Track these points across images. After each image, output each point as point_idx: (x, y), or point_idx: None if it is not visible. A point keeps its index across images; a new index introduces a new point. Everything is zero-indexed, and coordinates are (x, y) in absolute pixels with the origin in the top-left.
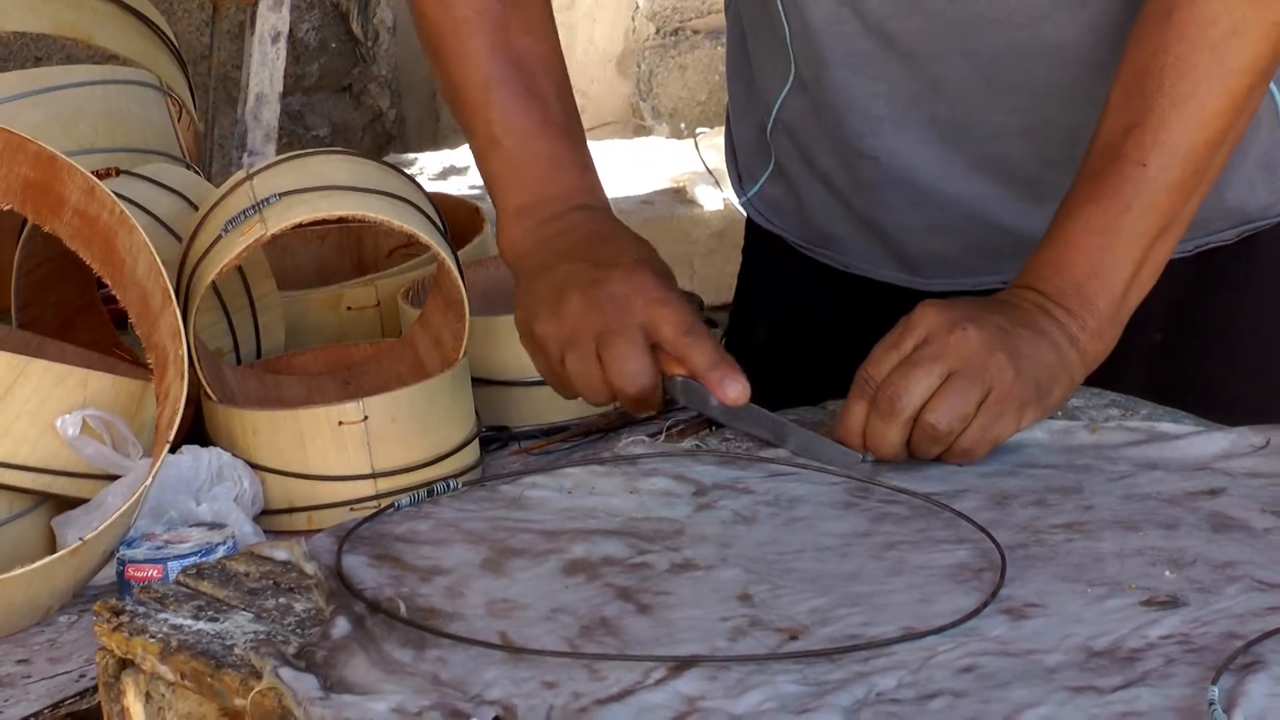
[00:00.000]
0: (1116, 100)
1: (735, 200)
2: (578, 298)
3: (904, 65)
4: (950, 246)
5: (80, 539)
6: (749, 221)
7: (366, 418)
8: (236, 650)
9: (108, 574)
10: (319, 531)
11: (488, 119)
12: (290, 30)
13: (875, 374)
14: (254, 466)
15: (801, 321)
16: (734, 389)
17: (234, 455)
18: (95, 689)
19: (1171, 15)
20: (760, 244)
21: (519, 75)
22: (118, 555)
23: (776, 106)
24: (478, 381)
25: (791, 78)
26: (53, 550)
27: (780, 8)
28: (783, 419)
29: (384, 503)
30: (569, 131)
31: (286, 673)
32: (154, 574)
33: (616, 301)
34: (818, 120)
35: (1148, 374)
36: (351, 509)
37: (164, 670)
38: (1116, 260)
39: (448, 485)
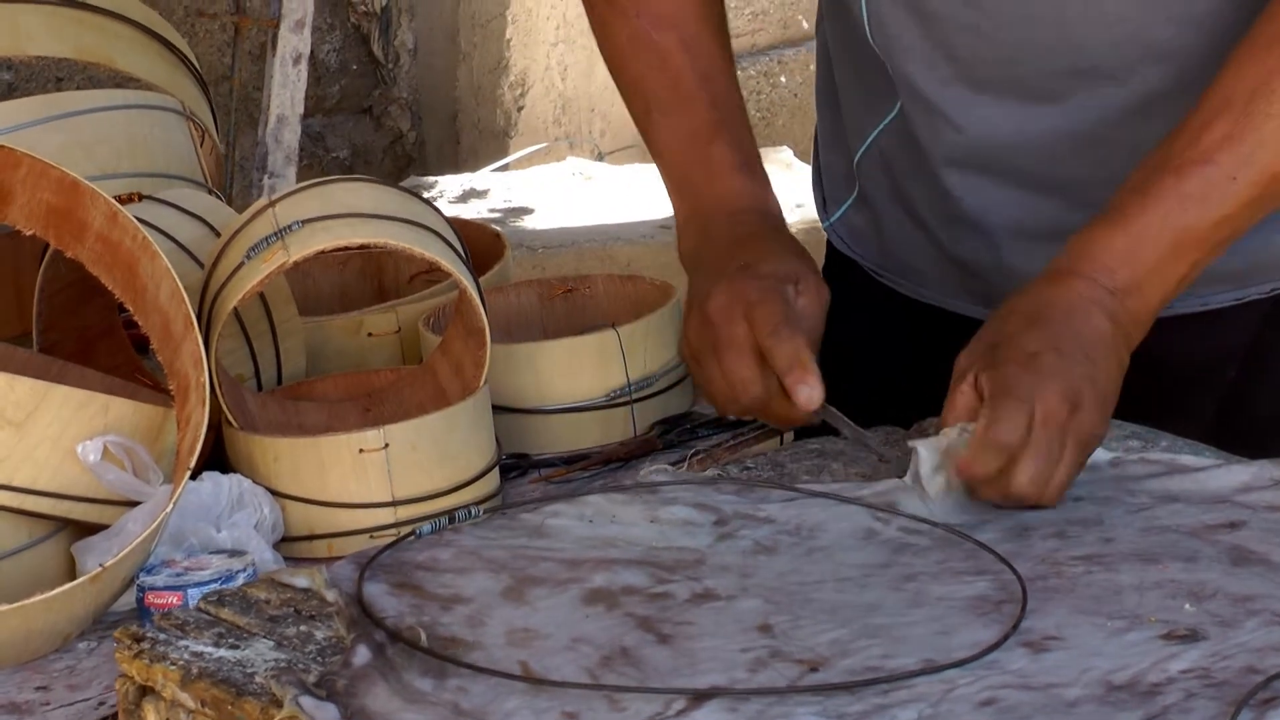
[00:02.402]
0: (1214, 106)
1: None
2: (695, 316)
3: (995, 113)
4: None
5: (100, 566)
6: (829, 246)
7: (387, 445)
8: (257, 678)
9: (127, 601)
10: (339, 559)
11: (654, 140)
12: (311, 52)
13: (1013, 431)
14: (274, 493)
15: (875, 346)
16: (802, 393)
17: (254, 482)
18: (114, 716)
19: None
20: (839, 269)
21: (675, 93)
22: (138, 582)
23: (872, 135)
24: (498, 409)
25: (897, 109)
26: (72, 577)
27: (874, 46)
28: (850, 422)
29: (404, 530)
30: (726, 137)
31: (307, 701)
32: (174, 601)
33: (722, 312)
34: (910, 154)
35: (1216, 410)
36: (371, 536)
37: (184, 698)
38: (1179, 262)
39: (469, 513)
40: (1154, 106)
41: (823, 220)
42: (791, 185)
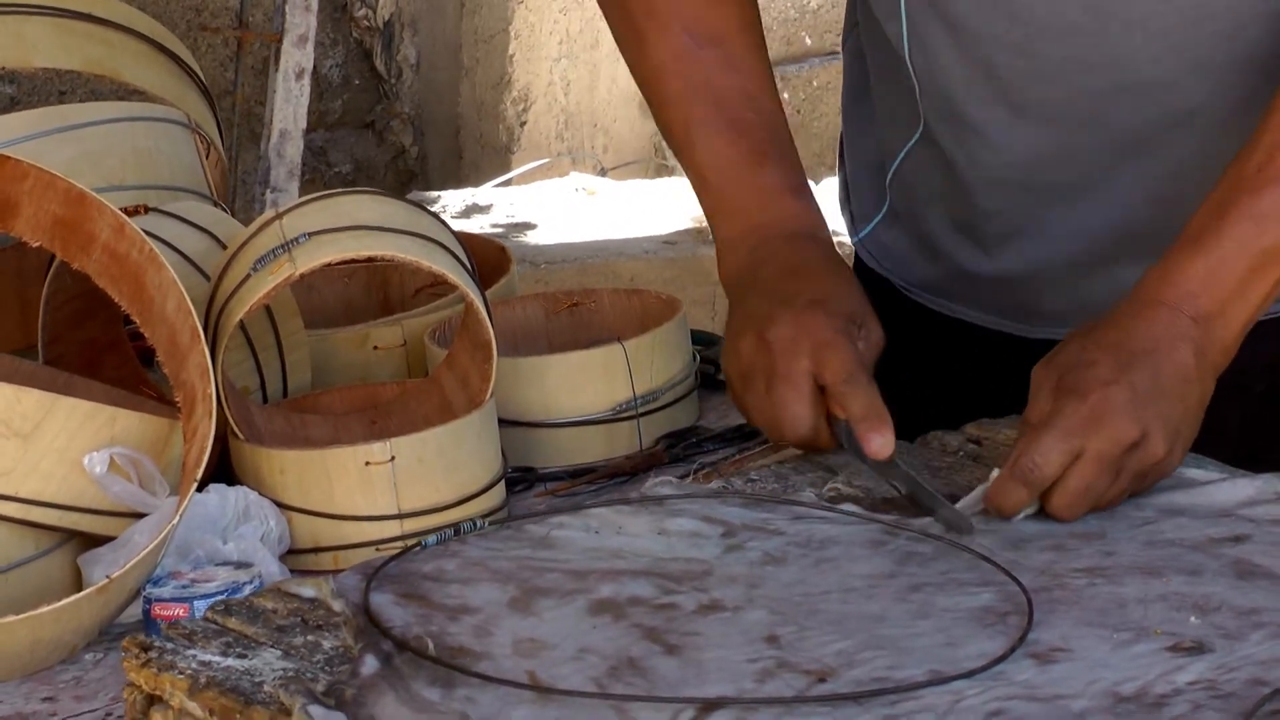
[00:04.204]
0: None
1: (847, 240)
2: (751, 337)
3: (1035, 132)
4: (1066, 302)
5: (107, 577)
6: (858, 262)
7: (393, 458)
8: (265, 687)
9: (133, 612)
10: (345, 571)
11: (694, 158)
12: (314, 67)
13: (1043, 467)
14: (280, 506)
15: (904, 363)
16: (876, 441)
17: (260, 494)
18: None
19: None
20: (869, 286)
21: (719, 112)
22: (144, 594)
23: (901, 155)
24: (504, 423)
25: (920, 131)
26: (79, 588)
27: (910, 65)
28: (921, 481)
29: (410, 542)
30: (776, 160)
31: (316, 710)
32: (180, 612)
33: (784, 343)
34: (942, 173)
35: (1241, 422)
36: (377, 549)
37: (192, 706)
38: (1260, 282)
39: (474, 524)
40: (1195, 118)
41: (852, 237)
42: None
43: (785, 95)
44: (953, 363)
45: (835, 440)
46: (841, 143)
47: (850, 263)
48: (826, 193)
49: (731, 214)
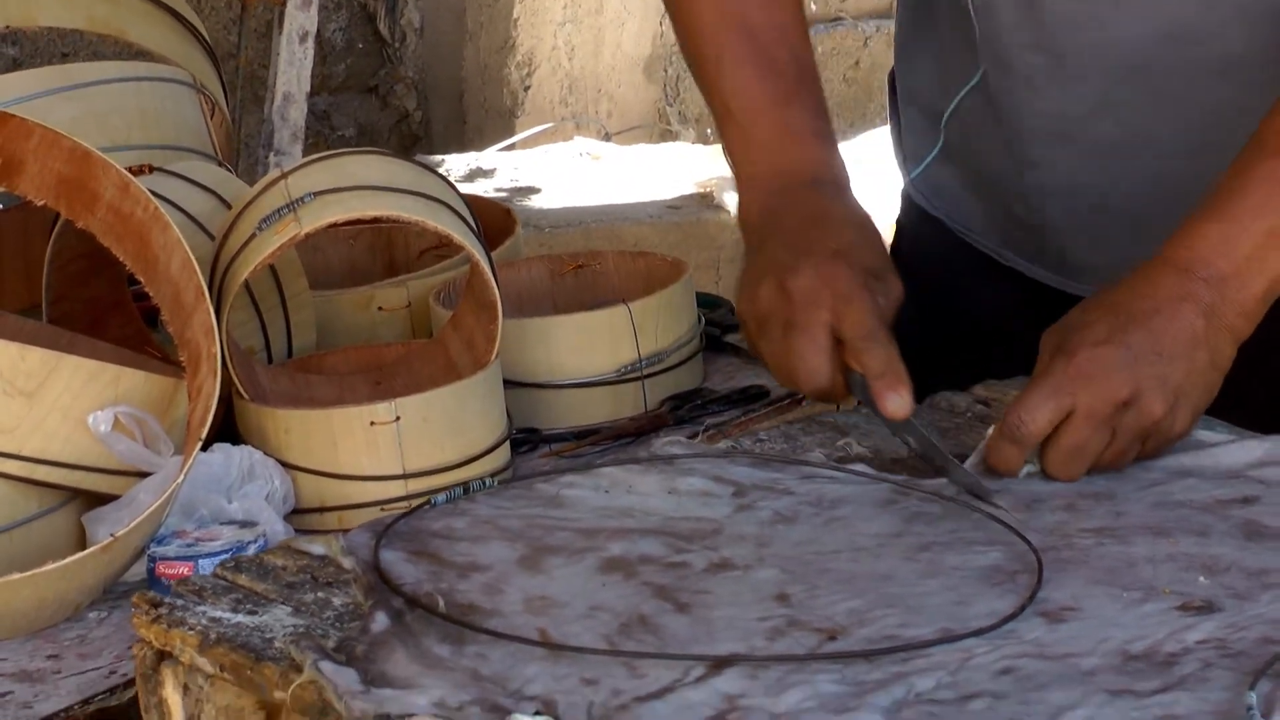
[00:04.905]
0: None
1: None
2: (771, 284)
3: (1078, 80)
4: (1108, 255)
5: (111, 535)
6: (907, 201)
7: (398, 418)
8: (276, 643)
9: (137, 571)
10: (351, 530)
11: (721, 91)
12: (318, 30)
13: (1029, 424)
14: (285, 465)
15: (950, 305)
16: (893, 401)
17: (265, 454)
18: (125, 685)
19: None
20: (918, 225)
21: (752, 47)
22: (149, 552)
23: (957, 99)
24: (509, 384)
25: (977, 77)
26: (83, 546)
27: (972, 9)
28: (935, 441)
29: (416, 502)
30: (804, 103)
31: (327, 666)
32: (185, 571)
33: (805, 294)
34: (992, 121)
35: (1267, 395)
36: (382, 509)
37: (203, 662)
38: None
39: (484, 483)
40: (1232, 69)
41: (904, 176)
42: None
43: None
44: (998, 307)
45: (849, 392)
46: (893, 82)
47: (875, 211)
48: None
49: (756, 151)
